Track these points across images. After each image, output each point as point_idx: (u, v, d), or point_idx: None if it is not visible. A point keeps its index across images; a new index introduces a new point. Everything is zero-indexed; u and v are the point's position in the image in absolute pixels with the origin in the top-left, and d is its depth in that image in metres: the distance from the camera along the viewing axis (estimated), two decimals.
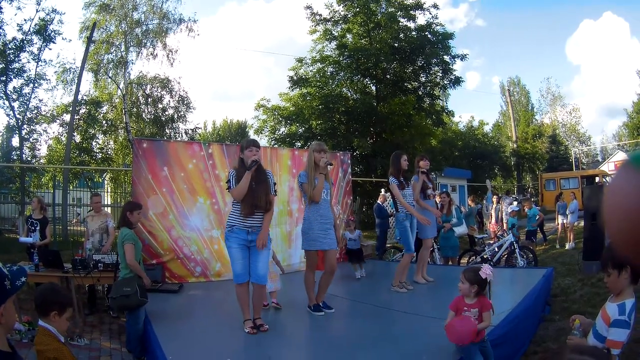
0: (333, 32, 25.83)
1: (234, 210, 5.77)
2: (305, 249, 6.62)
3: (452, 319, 4.31)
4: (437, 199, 11.33)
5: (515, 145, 47.90)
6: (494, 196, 17.97)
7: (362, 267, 9.94)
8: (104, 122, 27.17)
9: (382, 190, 16.98)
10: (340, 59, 24.87)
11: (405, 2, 25.49)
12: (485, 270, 4.21)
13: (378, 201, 15.15)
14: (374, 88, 26.36)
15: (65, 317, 3.29)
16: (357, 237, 10.09)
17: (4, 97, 22.17)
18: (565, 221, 15.62)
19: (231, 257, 5.71)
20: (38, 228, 9.28)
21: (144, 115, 29.35)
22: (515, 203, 16.06)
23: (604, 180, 26.37)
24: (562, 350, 1.79)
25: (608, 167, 42.10)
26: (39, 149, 25.10)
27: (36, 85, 23.72)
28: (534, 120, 54.79)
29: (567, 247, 14.88)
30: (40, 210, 9.69)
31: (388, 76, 25.70)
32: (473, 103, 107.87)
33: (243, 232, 5.65)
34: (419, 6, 25.44)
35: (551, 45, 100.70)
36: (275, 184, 6.06)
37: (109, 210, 22.84)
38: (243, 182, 5.56)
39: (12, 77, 22.41)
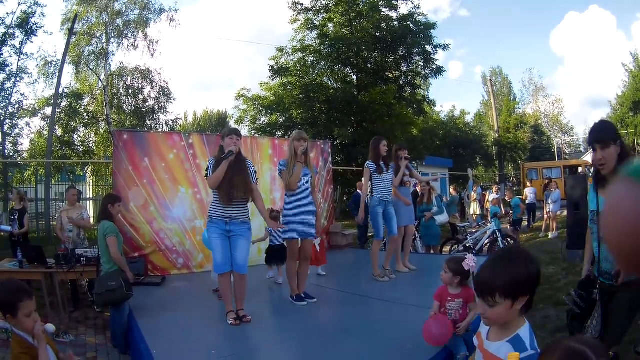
0: (314, 22, 25.86)
1: (214, 200, 5.79)
2: (285, 237, 6.65)
3: (434, 311, 4.33)
4: (418, 188, 11.37)
5: (497, 135, 48.10)
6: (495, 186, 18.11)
7: (281, 271, 8.13)
8: (85, 114, 26.97)
9: (364, 178, 17.01)
10: (321, 48, 24.89)
11: None
12: (469, 262, 4.20)
13: (358, 190, 15.19)
14: (354, 77, 26.42)
15: (23, 314, 3.02)
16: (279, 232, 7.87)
17: None
18: (549, 210, 15.76)
19: (212, 247, 5.73)
20: (17, 217, 9.55)
21: (124, 107, 29.14)
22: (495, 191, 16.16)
23: (586, 170, 26.53)
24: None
25: (591, 157, 42.48)
26: (21, 144, 24.98)
27: (18, 79, 23.59)
28: (516, 110, 55.03)
29: (550, 236, 15.00)
30: (20, 202, 9.86)
31: (369, 65, 25.74)
32: (455, 93, 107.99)
33: (222, 223, 5.68)
34: None
35: (535, 36, 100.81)
36: (255, 172, 6.07)
37: (91, 203, 22.82)
38: (219, 171, 5.57)
39: None
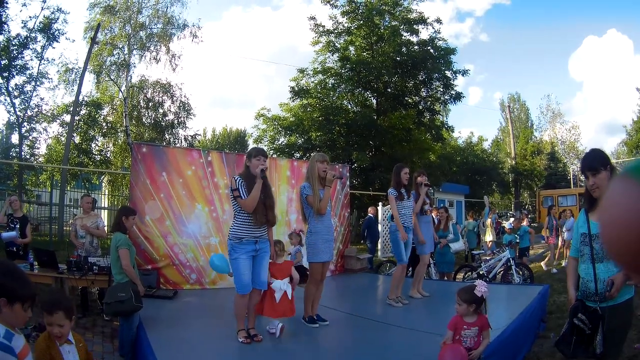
0: (336, 44, 25.92)
1: (241, 221, 5.70)
2: (311, 261, 6.57)
3: (447, 341, 4.30)
4: (434, 214, 11.32)
5: (513, 162, 47.99)
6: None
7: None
8: (104, 124, 27.18)
9: (380, 203, 16.97)
10: (342, 71, 24.95)
11: (408, 16, 25.61)
12: (480, 288, 4.21)
13: (369, 214, 15.19)
14: (374, 101, 26.45)
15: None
16: (295, 253, 8.74)
17: (6, 94, 22.23)
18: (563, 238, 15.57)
19: (237, 268, 5.64)
20: (18, 226, 9.17)
21: (144, 120, 29.39)
22: (511, 220, 16.08)
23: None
24: None
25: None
26: (38, 148, 25.18)
27: (38, 83, 23.83)
28: (533, 137, 54.90)
29: (563, 264, 14.85)
30: (20, 209, 9.64)
31: (389, 90, 25.76)
32: (474, 118, 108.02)
33: (252, 243, 5.65)
34: (422, 20, 25.58)
35: (554, 61, 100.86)
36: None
37: (105, 212, 22.93)
38: (255, 192, 5.54)
39: (14, 73, 22.52)
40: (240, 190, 5.62)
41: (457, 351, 4.19)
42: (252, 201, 5.53)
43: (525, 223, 15.29)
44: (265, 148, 23.94)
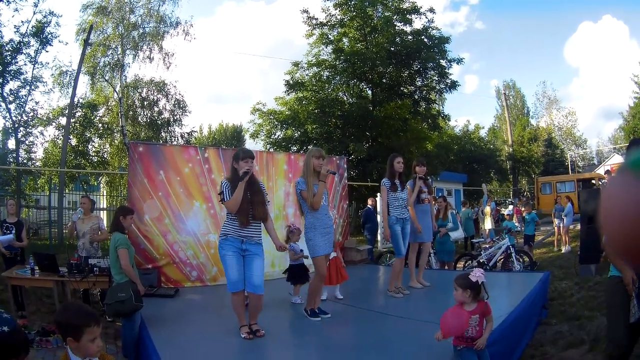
0: (329, 36, 25.85)
1: (229, 219, 5.75)
2: (313, 256, 6.47)
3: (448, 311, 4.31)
4: (433, 203, 11.34)
5: (511, 149, 47.95)
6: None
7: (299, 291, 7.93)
8: (99, 125, 27.12)
9: (379, 194, 16.98)
10: (337, 63, 24.88)
11: (401, 6, 25.57)
12: (475, 274, 4.20)
13: (368, 205, 15.20)
14: (370, 92, 26.39)
15: (88, 339, 2.90)
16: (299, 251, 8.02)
17: (1, 99, 22.14)
18: (561, 224, 15.61)
19: (225, 264, 5.67)
20: (14, 231, 9.01)
21: (139, 119, 29.28)
22: (510, 207, 16.13)
23: (599, 183, 26.41)
24: None
25: (604, 170, 42.29)
26: (35, 152, 25.10)
27: (33, 87, 23.72)
28: (529, 124, 54.85)
29: (563, 250, 14.88)
30: (16, 215, 9.54)
31: (384, 80, 25.68)
32: (471, 107, 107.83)
33: (237, 241, 5.64)
34: (415, 10, 25.52)
35: (550, 48, 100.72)
36: (266, 193, 6.07)
37: (104, 213, 22.90)
38: (237, 194, 5.55)
39: (8, 79, 22.38)
40: (225, 192, 5.68)
41: (458, 313, 4.20)
42: (235, 202, 5.57)
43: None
44: (261, 143, 24.05)
